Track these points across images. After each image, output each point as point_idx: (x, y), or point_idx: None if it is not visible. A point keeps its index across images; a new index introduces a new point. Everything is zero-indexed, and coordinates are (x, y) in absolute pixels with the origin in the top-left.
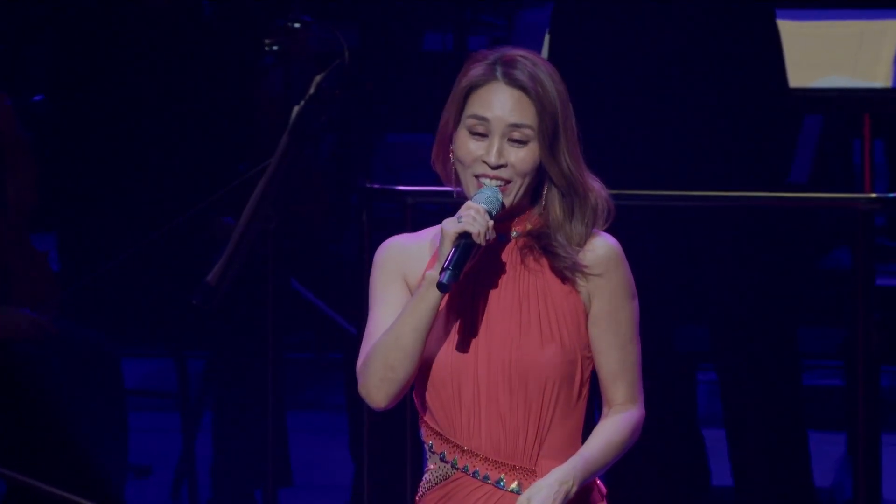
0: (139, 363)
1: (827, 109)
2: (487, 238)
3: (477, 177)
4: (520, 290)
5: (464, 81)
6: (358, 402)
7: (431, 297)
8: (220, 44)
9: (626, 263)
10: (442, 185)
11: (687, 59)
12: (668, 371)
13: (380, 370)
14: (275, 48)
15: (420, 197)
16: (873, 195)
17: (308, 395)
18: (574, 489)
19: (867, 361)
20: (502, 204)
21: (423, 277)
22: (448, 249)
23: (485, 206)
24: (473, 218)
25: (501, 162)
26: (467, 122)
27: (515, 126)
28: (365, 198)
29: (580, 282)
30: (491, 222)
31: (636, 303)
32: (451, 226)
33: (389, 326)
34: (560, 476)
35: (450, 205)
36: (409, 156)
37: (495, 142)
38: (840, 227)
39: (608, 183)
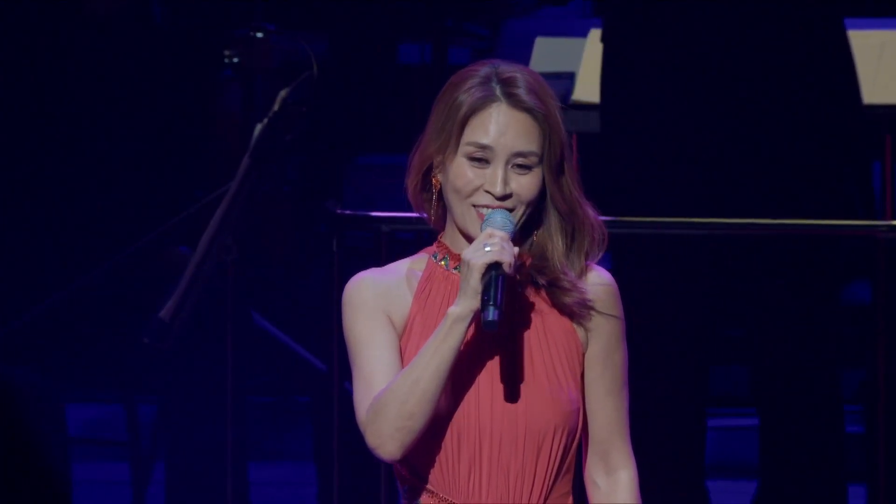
0: (84, 408)
1: None
2: (515, 267)
3: (476, 207)
4: (521, 332)
5: (459, 104)
6: (327, 450)
7: (456, 336)
8: (173, 55)
9: (620, 300)
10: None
11: (752, 77)
12: (685, 419)
13: (396, 419)
14: (235, 60)
15: (395, 224)
16: (895, 222)
17: (272, 443)
18: None
19: (888, 406)
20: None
21: (429, 316)
22: (476, 282)
23: (506, 233)
24: (502, 246)
25: (508, 192)
26: (465, 149)
27: (521, 154)
28: (335, 225)
29: (580, 320)
30: (516, 249)
31: (626, 346)
32: (478, 256)
33: (403, 371)
34: None
35: (426, 233)
36: (384, 179)
37: (499, 171)
38: (858, 257)
39: (646, 206)
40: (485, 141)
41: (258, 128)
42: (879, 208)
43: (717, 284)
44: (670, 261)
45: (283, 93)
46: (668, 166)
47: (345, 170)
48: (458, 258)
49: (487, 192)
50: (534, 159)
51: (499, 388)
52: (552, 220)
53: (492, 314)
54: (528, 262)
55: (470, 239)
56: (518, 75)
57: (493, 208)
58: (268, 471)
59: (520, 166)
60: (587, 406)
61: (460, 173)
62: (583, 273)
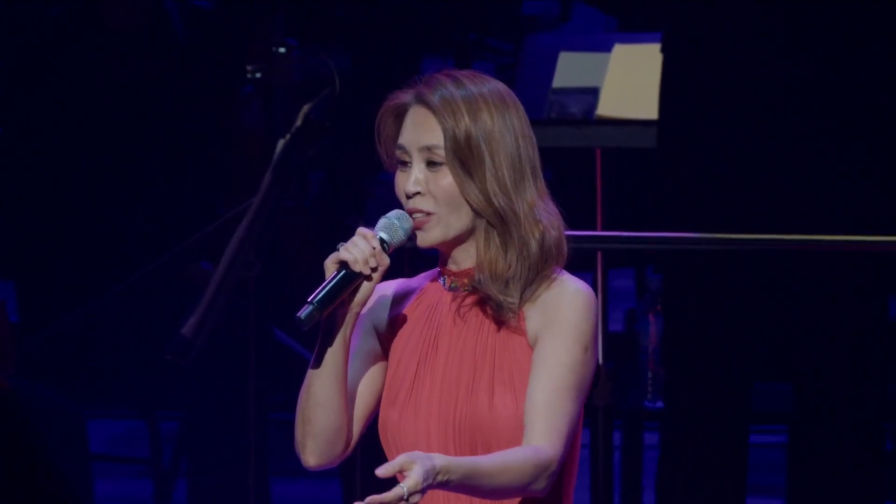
0: (107, 424)
1: None
2: (373, 266)
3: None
4: (475, 346)
5: (387, 109)
6: (351, 468)
7: (332, 339)
8: (195, 71)
9: (589, 312)
10: None
11: (812, 91)
12: (728, 436)
13: (300, 425)
14: (257, 75)
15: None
16: None
17: (294, 460)
18: (446, 482)
19: None
20: (409, 232)
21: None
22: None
23: (381, 233)
24: (354, 243)
25: (417, 189)
26: (396, 154)
27: (427, 148)
28: None
29: (530, 328)
30: (377, 248)
31: (588, 358)
32: (330, 256)
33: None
34: (444, 464)
35: None
36: None
37: (414, 169)
38: (886, 273)
39: (703, 221)
40: (399, 141)
41: (281, 143)
42: None
43: (761, 300)
44: (714, 276)
45: (305, 108)
46: (727, 181)
47: (367, 185)
48: (451, 273)
49: (406, 192)
50: (442, 154)
51: (443, 399)
52: (481, 225)
53: (304, 312)
54: (471, 275)
55: (432, 247)
56: (441, 76)
57: (411, 212)
58: (291, 488)
59: (433, 163)
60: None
61: (395, 181)
62: (537, 284)
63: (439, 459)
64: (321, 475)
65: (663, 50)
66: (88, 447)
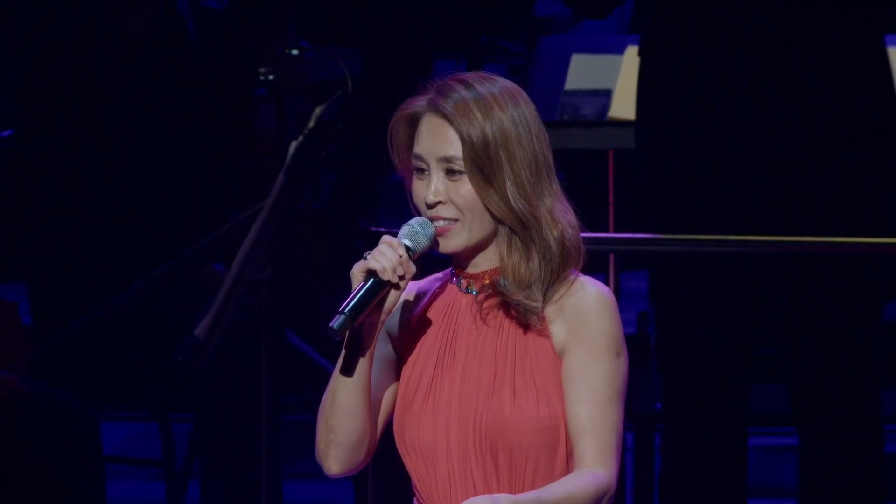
0: (119, 426)
1: None
2: (400, 275)
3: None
4: (496, 348)
5: (400, 116)
6: (362, 470)
7: (357, 348)
8: (207, 73)
9: (616, 316)
10: None
11: (790, 93)
12: (727, 439)
13: (324, 434)
14: (269, 77)
15: None
16: None
17: (307, 463)
18: None
19: None
20: (433, 239)
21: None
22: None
23: (406, 241)
24: (381, 252)
25: (438, 199)
26: (413, 164)
27: (446, 159)
28: (369, 242)
29: (555, 332)
30: (404, 256)
31: (622, 363)
32: (357, 264)
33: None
34: (507, 502)
35: None
36: None
37: (432, 178)
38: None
39: (683, 223)
40: (415, 149)
41: (293, 145)
42: None
43: (755, 302)
44: (708, 278)
45: (317, 110)
46: (705, 183)
47: (379, 187)
48: (469, 276)
49: (425, 201)
50: (461, 163)
51: (464, 403)
52: (503, 230)
53: (336, 322)
54: (489, 279)
55: (455, 252)
56: (453, 83)
57: (433, 219)
58: (303, 490)
59: (452, 171)
60: (566, 417)
61: (412, 189)
62: (550, 280)
63: (504, 500)
64: (332, 478)
65: (640, 53)
66: (101, 449)
